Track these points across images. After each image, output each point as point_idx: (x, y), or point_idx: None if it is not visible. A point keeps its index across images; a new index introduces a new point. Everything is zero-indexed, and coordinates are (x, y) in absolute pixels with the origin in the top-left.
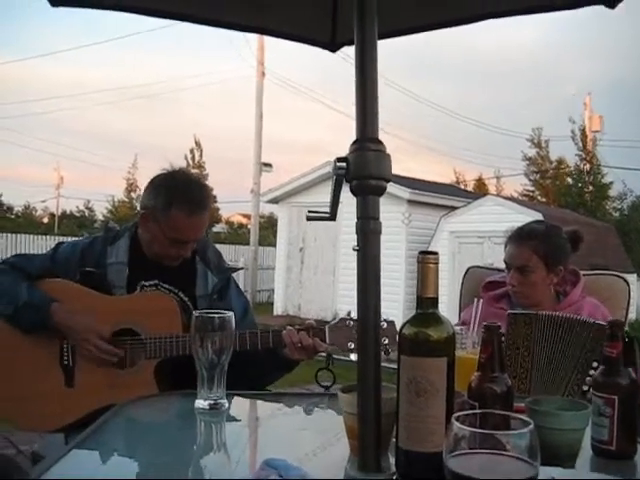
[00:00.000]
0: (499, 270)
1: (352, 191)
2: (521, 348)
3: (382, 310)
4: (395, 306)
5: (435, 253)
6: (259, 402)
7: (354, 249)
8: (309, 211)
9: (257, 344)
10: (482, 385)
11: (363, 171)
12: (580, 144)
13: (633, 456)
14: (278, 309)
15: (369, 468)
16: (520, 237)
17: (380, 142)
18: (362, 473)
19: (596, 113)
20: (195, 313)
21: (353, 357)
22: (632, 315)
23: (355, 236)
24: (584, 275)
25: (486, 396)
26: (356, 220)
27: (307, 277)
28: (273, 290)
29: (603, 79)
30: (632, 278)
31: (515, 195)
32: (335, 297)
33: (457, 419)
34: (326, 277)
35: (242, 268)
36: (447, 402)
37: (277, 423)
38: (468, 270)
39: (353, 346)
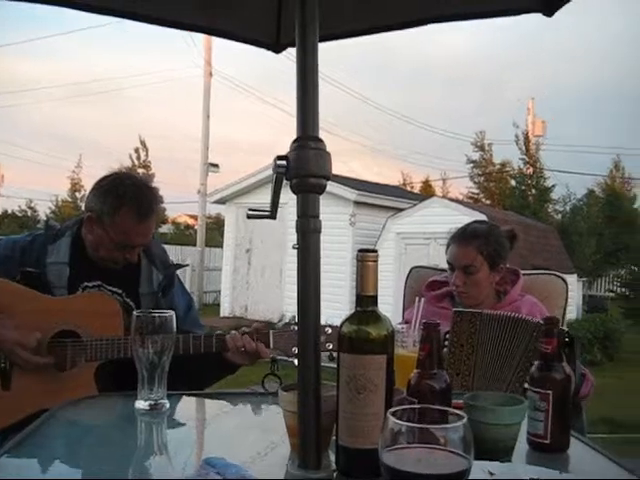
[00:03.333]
0: (442, 270)
1: (292, 189)
2: (465, 346)
3: (327, 311)
4: (340, 307)
5: (374, 251)
6: (201, 402)
7: (294, 247)
8: (249, 209)
9: (200, 348)
10: (421, 382)
11: (303, 169)
12: (523, 148)
13: (566, 449)
14: (225, 310)
15: (310, 466)
16: (464, 237)
17: (320, 140)
18: (303, 471)
19: (539, 118)
20: (135, 313)
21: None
22: (572, 315)
23: None
24: (523, 274)
25: (425, 393)
26: (296, 219)
27: (254, 278)
28: (220, 291)
29: (546, 85)
30: (572, 279)
31: (461, 197)
32: (282, 298)
33: (393, 414)
34: (273, 278)
35: (187, 265)
36: (386, 399)
37: (220, 423)
38: (411, 270)
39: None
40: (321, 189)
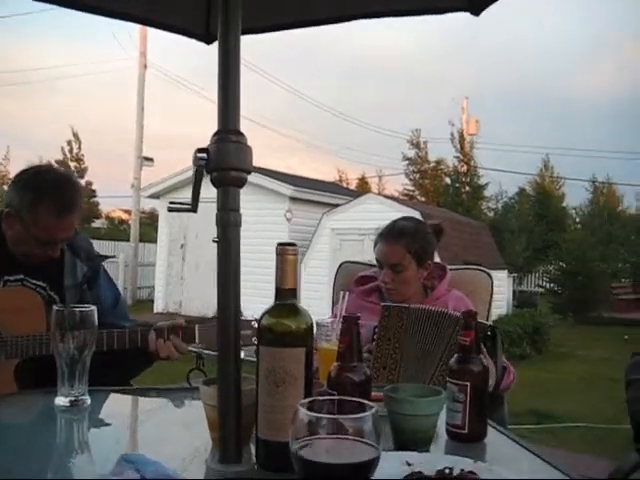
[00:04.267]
0: (371, 265)
1: (212, 182)
2: (392, 340)
3: (264, 307)
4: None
5: (293, 244)
6: (126, 398)
7: (214, 241)
8: (170, 202)
9: (125, 343)
10: (341, 374)
11: (223, 162)
12: (458, 146)
13: (483, 438)
14: (159, 306)
15: (230, 460)
16: (392, 235)
17: (241, 134)
18: (223, 465)
19: (473, 117)
20: (55, 307)
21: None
22: (503, 310)
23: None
24: (450, 270)
25: (345, 385)
26: (216, 212)
27: (188, 274)
28: (154, 287)
29: (481, 84)
30: (503, 274)
31: (396, 194)
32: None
33: (302, 405)
34: (208, 273)
35: (113, 256)
36: (306, 392)
37: (142, 419)
38: (341, 265)
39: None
40: (241, 182)
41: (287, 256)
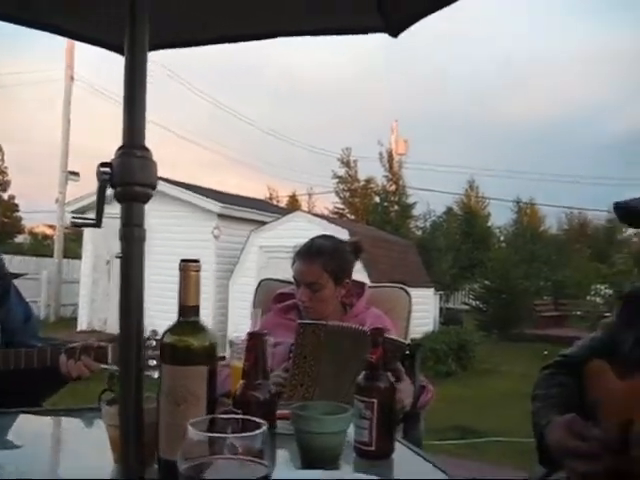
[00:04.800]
0: (290, 282)
1: (116, 197)
2: (309, 357)
3: None
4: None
5: (196, 261)
6: (35, 419)
7: (117, 256)
8: (73, 216)
9: (33, 363)
10: (246, 393)
11: (128, 177)
12: (387, 166)
13: (390, 454)
14: (83, 324)
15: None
16: (309, 254)
17: (146, 149)
18: None
19: (402, 137)
20: None
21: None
22: (429, 327)
23: (166, 247)
24: (369, 287)
25: (249, 403)
26: (120, 227)
27: (115, 290)
28: (78, 304)
29: (411, 105)
30: (429, 292)
31: (326, 212)
32: (145, 310)
33: (193, 425)
34: None
35: (25, 274)
36: (208, 411)
37: (48, 440)
38: (261, 283)
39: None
40: (146, 198)
41: (190, 272)
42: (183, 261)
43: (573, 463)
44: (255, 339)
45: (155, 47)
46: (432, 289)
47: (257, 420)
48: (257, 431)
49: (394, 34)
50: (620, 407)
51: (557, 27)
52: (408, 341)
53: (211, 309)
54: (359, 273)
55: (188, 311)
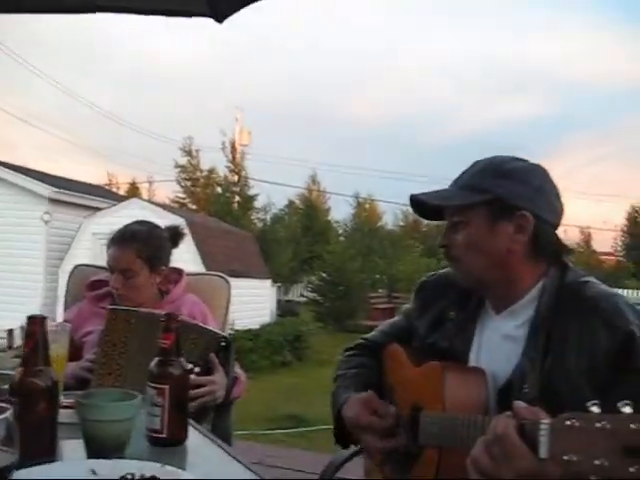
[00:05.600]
0: (106, 269)
1: None
2: (118, 344)
3: (15, 315)
4: (32, 310)
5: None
6: None
7: None
8: None
9: None
10: (25, 380)
11: None
12: (230, 156)
13: (183, 442)
14: None
15: None
16: (123, 240)
17: None
18: None
19: (246, 128)
20: None
21: None
22: (266, 318)
23: None
24: (188, 275)
25: (30, 391)
26: None
27: None
28: None
29: (256, 96)
30: (267, 284)
31: (167, 201)
32: None
33: None
34: None
35: None
36: None
37: None
38: (74, 269)
39: None
40: None
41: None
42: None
43: (367, 438)
44: (34, 324)
45: None
46: (270, 280)
47: (3, 406)
48: None
49: (220, 20)
50: (410, 393)
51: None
52: (224, 333)
53: (40, 296)
54: (195, 263)
55: None
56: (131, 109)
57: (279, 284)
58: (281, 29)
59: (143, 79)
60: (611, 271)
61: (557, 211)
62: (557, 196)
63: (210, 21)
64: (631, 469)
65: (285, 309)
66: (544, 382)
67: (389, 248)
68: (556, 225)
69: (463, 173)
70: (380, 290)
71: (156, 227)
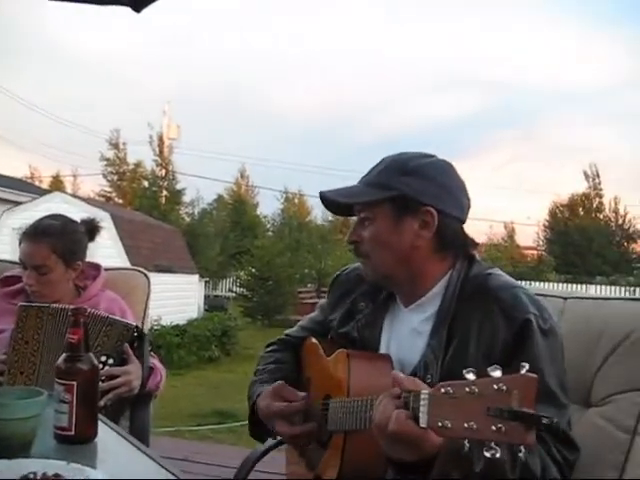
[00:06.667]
0: (18, 263)
1: None
2: (31, 342)
3: None
4: None
5: None
6: None
7: None
8: None
9: None
10: None
11: None
12: (157, 150)
13: (93, 439)
14: None
15: None
16: (35, 234)
17: None
18: None
19: (174, 122)
20: None
21: None
22: (193, 314)
23: None
24: (106, 270)
25: None
26: None
27: None
28: None
29: (185, 90)
30: (194, 279)
31: (92, 195)
32: None
33: None
34: None
35: None
36: None
37: None
38: None
39: None
40: None
41: None
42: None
43: (278, 424)
44: None
45: None
46: (197, 275)
47: None
48: None
49: (137, 9)
50: (323, 383)
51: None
52: (135, 323)
53: None
54: (120, 258)
55: None
56: (54, 101)
57: (207, 279)
58: (210, 19)
59: (67, 70)
60: (534, 264)
61: (463, 206)
62: (463, 191)
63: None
64: (493, 428)
65: (213, 304)
66: (446, 371)
67: (318, 243)
68: (462, 220)
69: (371, 170)
70: (309, 285)
71: (71, 221)
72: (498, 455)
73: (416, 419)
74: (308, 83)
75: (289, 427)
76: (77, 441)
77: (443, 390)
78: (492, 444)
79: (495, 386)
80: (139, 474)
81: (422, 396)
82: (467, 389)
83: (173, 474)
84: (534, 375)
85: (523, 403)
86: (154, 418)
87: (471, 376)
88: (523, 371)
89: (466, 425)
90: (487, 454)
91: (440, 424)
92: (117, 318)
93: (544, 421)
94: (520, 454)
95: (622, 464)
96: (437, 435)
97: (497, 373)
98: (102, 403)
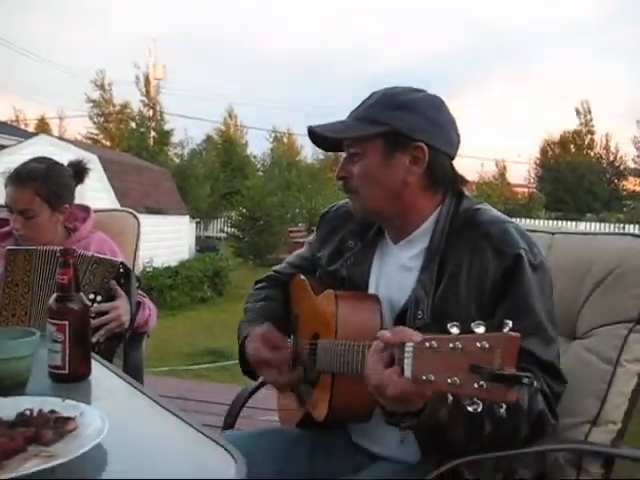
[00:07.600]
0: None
1: None
2: (20, 285)
3: None
4: None
5: None
6: None
7: None
8: None
9: None
10: None
11: None
12: (144, 90)
13: (87, 377)
14: None
15: None
16: (20, 179)
17: None
18: None
19: (160, 61)
20: None
21: None
22: (185, 255)
23: None
24: (96, 212)
25: None
26: None
27: None
28: None
29: (171, 28)
30: (184, 220)
31: (79, 137)
32: None
33: None
34: None
35: None
36: None
37: None
38: None
39: None
40: None
41: None
42: None
43: (266, 372)
44: None
45: None
46: (187, 216)
47: None
48: None
49: None
50: (311, 322)
51: None
52: (121, 259)
53: None
54: (109, 200)
55: None
56: (39, 41)
57: (198, 220)
58: None
59: (53, 9)
60: (524, 202)
61: (453, 142)
62: (453, 127)
63: None
64: (475, 385)
65: (204, 245)
66: (437, 307)
67: (308, 182)
68: (452, 156)
69: (360, 104)
70: (300, 224)
71: (56, 163)
72: (480, 409)
73: (401, 371)
74: (296, 23)
75: (278, 376)
76: (71, 379)
77: (427, 344)
78: (475, 399)
79: (478, 344)
80: (134, 410)
81: (407, 348)
82: (451, 345)
83: (167, 409)
84: (517, 334)
85: (505, 361)
86: (148, 358)
87: (455, 330)
88: (506, 329)
89: (449, 380)
90: (470, 409)
91: (424, 377)
92: (102, 256)
93: (524, 381)
94: (501, 410)
95: (604, 392)
96: (420, 388)
97: (480, 329)
98: (94, 340)
